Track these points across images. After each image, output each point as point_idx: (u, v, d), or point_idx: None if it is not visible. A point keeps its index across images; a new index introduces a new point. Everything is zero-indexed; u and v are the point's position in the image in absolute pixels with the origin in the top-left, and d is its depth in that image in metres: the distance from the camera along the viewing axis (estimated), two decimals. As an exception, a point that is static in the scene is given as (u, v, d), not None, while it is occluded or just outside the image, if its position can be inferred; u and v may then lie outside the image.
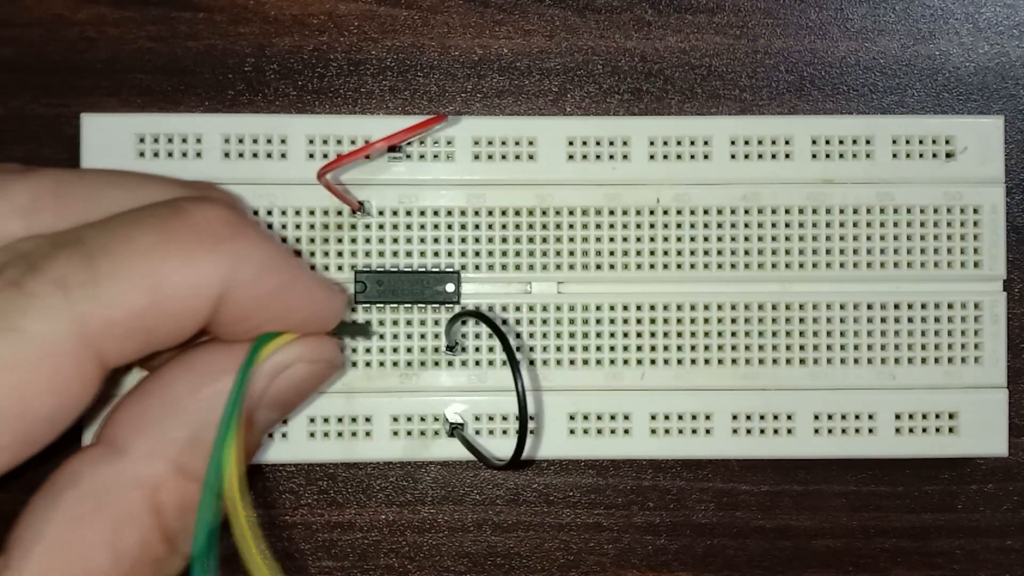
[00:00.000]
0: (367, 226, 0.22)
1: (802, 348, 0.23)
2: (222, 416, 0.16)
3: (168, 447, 0.17)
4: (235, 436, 0.16)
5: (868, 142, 0.23)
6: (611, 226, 0.22)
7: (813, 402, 0.23)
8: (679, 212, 0.23)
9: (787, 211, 0.23)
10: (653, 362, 0.22)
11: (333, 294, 0.19)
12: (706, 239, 0.23)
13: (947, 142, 0.23)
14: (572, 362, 0.22)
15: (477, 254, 0.22)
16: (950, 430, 0.23)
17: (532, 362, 0.22)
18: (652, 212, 0.22)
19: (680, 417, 0.22)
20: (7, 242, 0.16)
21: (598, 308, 0.22)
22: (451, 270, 0.22)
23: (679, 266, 0.22)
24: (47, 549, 0.16)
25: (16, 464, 0.16)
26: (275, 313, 0.17)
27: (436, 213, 0.22)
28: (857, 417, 0.23)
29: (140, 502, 0.17)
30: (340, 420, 0.22)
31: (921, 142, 0.23)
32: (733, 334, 0.23)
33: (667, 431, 0.22)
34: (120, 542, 0.16)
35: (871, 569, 0.24)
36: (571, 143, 0.22)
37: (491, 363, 0.22)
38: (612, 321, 0.22)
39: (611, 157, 0.23)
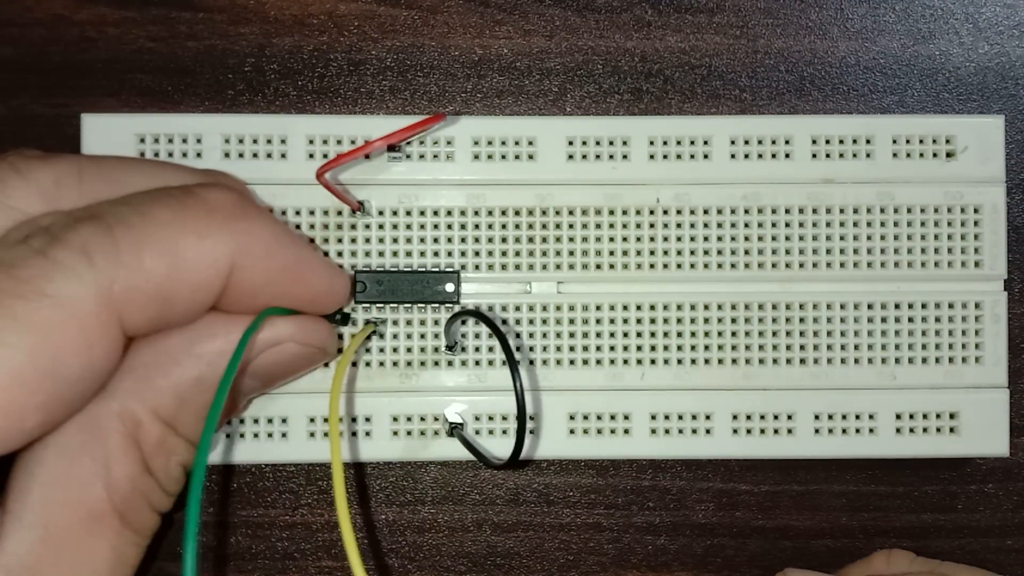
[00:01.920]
0: (367, 226, 0.22)
1: (802, 348, 0.23)
2: (224, 374, 0.17)
3: (149, 392, 0.18)
4: (227, 391, 0.17)
5: (868, 142, 0.23)
6: (611, 226, 0.22)
7: (813, 402, 0.22)
8: (679, 212, 0.23)
9: (787, 211, 0.23)
10: (653, 362, 0.22)
11: (339, 275, 0.20)
12: (706, 239, 0.23)
13: (947, 142, 0.23)
14: (572, 362, 0.22)
15: (477, 254, 0.22)
16: (951, 430, 0.23)
17: (532, 362, 0.22)
18: (652, 212, 0.22)
19: (680, 417, 0.22)
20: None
21: (598, 308, 0.22)
22: (451, 270, 0.22)
23: (679, 266, 0.22)
24: (43, 488, 0.17)
25: (50, 426, 0.17)
26: (285, 289, 0.18)
27: (436, 213, 0.22)
28: (857, 417, 0.23)
29: (122, 435, 0.17)
30: (340, 420, 0.22)
31: (921, 142, 0.23)
32: (733, 334, 0.23)
33: (667, 431, 0.22)
34: (110, 474, 0.17)
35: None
36: (571, 143, 0.22)
37: (491, 363, 0.22)
38: (612, 321, 0.22)
39: (611, 157, 0.23)
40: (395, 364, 0.22)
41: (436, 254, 0.22)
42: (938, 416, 0.23)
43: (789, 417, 0.23)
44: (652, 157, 0.23)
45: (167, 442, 0.18)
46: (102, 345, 0.16)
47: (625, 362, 0.22)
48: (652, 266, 0.22)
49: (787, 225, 0.23)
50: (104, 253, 0.16)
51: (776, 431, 0.23)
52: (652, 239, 0.22)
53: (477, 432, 0.22)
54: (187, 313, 0.17)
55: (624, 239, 0.22)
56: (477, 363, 0.22)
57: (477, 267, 0.22)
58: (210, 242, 0.17)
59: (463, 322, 0.22)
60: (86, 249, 0.16)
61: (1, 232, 0.17)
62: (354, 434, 0.22)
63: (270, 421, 0.22)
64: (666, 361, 0.22)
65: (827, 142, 0.23)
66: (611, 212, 0.22)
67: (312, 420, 0.22)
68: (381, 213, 0.22)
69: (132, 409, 0.18)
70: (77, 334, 0.16)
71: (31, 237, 0.16)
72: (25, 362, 0.15)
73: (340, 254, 0.22)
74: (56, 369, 0.16)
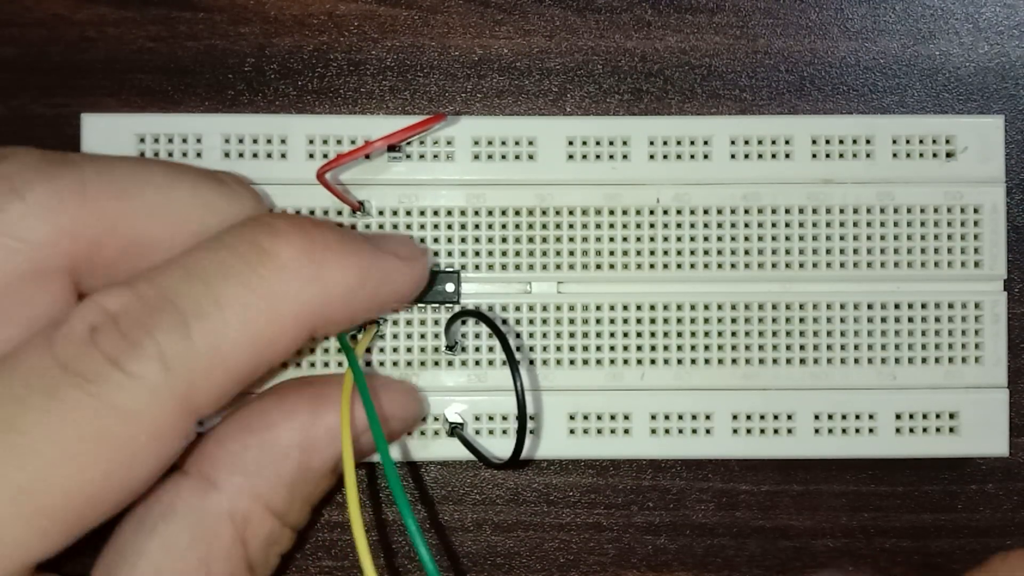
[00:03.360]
0: (367, 226, 0.22)
1: (802, 348, 0.23)
2: (362, 397, 0.17)
3: (262, 487, 0.17)
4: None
5: (868, 142, 0.23)
6: (611, 226, 0.22)
7: (813, 402, 0.22)
8: (679, 212, 0.23)
9: (787, 211, 0.23)
10: (653, 362, 0.22)
11: (414, 263, 0.19)
12: (706, 239, 0.23)
13: (947, 142, 0.23)
14: (572, 362, 0.22)
15: (477, 254, 0.22)
16: (950, 430, 0.23)
17: (532, 362, 0.22)
18: (652, 212, 0.22)
19: (680, 417, 0.22)
20: (37, 245, 0.16)
21: (598, 308, 0.22)
22: (451, 270, 0.22)
23: (679, 266, 0.22)
24: None
25: (120, 510, 0.16)
26: (370, 311, 0.18)
27: (436, 213, 0.22)
28: (857, 417, 0.23)
29: (231, 535, 0.17)
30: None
31: (921, 142, 0.23)
32: (733, 334, 0.23)
33: (667, 431, 0.22)
34: (212, 571, 0.17)
35: (871, 569, 0.24)
36: (571, 143, 0.22)
37: (491, 363, 0.22)
38: (612, 321, 0.22)
39: (611, 157, 0.23)
40: (395, 364, 0.22)
41: (436, 254, 0.22)
42: (938, 416, 0.23)
43: (789, 417, 0.23)
44: (652, 157, 0.23)
45: (274, 534, 0.18)
46: (175, 443, 0.16)
47: (625, 362, 0.22)
48: (652, 266, 0.22)
49: (787, 225, 0.23)
50: (181, 358, 0.15)
51: (776, 431, 0.23)
52: (652, 239, 0.22)
53: (477, 432, 0.22)
54: (261, 378, 0.17)
55: (624, 239, 0.22)
56: (477, 363, 0.22)
57: (477, 267, 0.22)
58: (288, 313, 0.16)
59: (463, 322, 0.22)
60: (162, 356, 0.15)
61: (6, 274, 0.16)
62: (354, 434, 0.22)
63: (270, 421, 0.22)
64: (666, 361, 0.22)
65: (827, 142, 0.23)
66: (611, 212, 0.22)
67: (312, 420, 0.22)
68: (381, 213, 0.22)
69: (244, 508, 0.17)
70: (151, 441, 0.15)
71: (99, 333, 0.15)
72: (99, 477, 0.15)
73: (340, 254, 0.22)
74: (129, 475, 0.15)
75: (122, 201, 0.17)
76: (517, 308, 0.22)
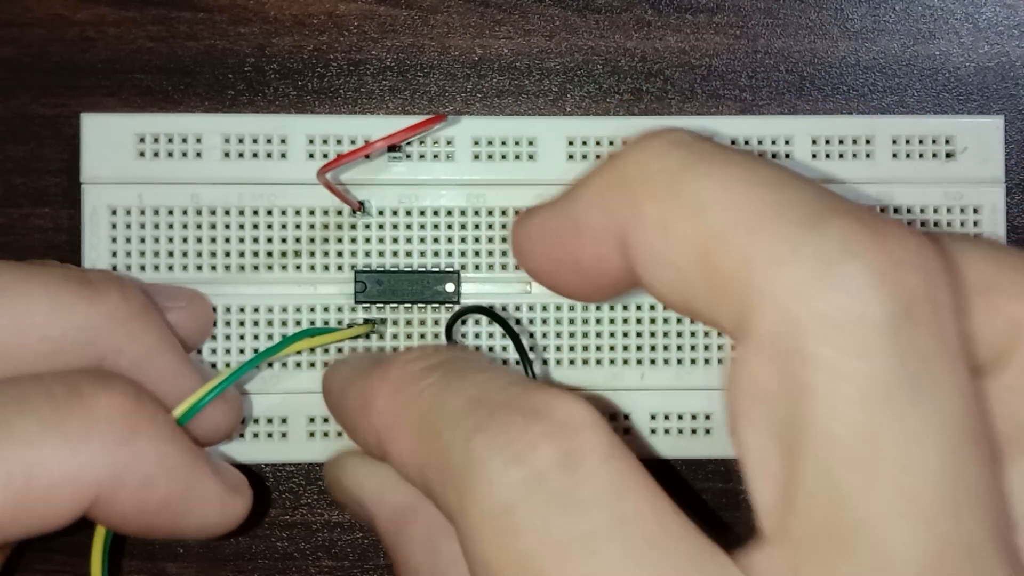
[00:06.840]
0: (367, 226, 0.22)
1: (802, 348, 0.23)
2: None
3: None
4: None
5: (868, 142, 0.23)
6: (611, 226, 0.22)
7: (813, 402, 0.22)
8: (679, 212, 0.22)
9: (787, 211, 0.23)
10: (653, 362, 0.22)
11: (231, 501, 0.18)
12: (706, 239, 0.23)
13: (947, 142, 0.23)
14: (572, 362, 0.22)
15: (477, 254, 0.22)
16: (950, 430, 0.23)
17: (532, 361, 0.22)
18: (652, 212, 0.22)
19: (680, 417, 0.22)
20: None
21: (598, 308, 0.22)
22: (451, 270, 0.22)
23: (679, 266, 0.22)
24: None
25: None
26: (162, 521, 0.16)
27: (436, 213, 0.22)
28: (857, 417, 0.23)
29: None
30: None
31: (921, 142, 0.23)
32: (733, 334, 0.23)
33: (667, 431, 0.22)
34: None
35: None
36: (571, 143, 0.22)
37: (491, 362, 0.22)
38: (612, 321, 0.22)
39: (611, 157, 0.23)
40: (395, 364, 0.22)
41: (436, 254, 0.22)
42: (938, 416, 0.23)
43: (789, 417, 0.22)
44: (652, 157, 0.23)
45: None
46: None
47: (625, 362, 0.22)
48: (652, 266, 0.22)
49: (787, 225, 0.23)
50: None
51: (776, 431, 0.22)
52: (652, 239, 0.22)
53: (477, 432, 0.22)
54: (32, 534, 0.15)
55: (624, 239, 0.22)
56: (477, 363, 0.22)
57: (477, 267, 0.22)
58: (78, 466, 0.15)
59: (463, 322, 0.22)
60: None
61: None
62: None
63: (270, 421, 0.22)
64: (666, 361, 0.22)
65: (827, 142, 0.23)
66: (611, 212, 0.22)
67: (312, 420, 0.22)
68: (381, 213, 0.22)
69: None
70: None
71: None
72: None
73: (340, 254, 0.22)
74: None
75: None
76: (517, 308, 0.22)
